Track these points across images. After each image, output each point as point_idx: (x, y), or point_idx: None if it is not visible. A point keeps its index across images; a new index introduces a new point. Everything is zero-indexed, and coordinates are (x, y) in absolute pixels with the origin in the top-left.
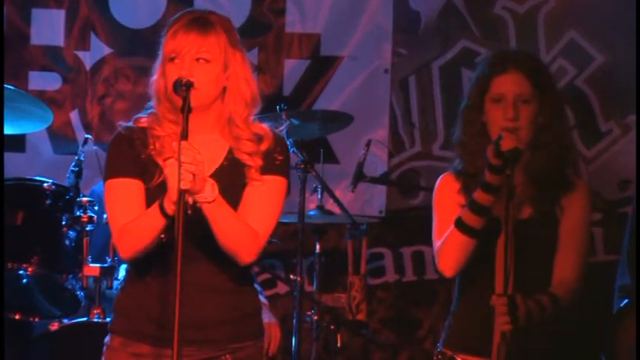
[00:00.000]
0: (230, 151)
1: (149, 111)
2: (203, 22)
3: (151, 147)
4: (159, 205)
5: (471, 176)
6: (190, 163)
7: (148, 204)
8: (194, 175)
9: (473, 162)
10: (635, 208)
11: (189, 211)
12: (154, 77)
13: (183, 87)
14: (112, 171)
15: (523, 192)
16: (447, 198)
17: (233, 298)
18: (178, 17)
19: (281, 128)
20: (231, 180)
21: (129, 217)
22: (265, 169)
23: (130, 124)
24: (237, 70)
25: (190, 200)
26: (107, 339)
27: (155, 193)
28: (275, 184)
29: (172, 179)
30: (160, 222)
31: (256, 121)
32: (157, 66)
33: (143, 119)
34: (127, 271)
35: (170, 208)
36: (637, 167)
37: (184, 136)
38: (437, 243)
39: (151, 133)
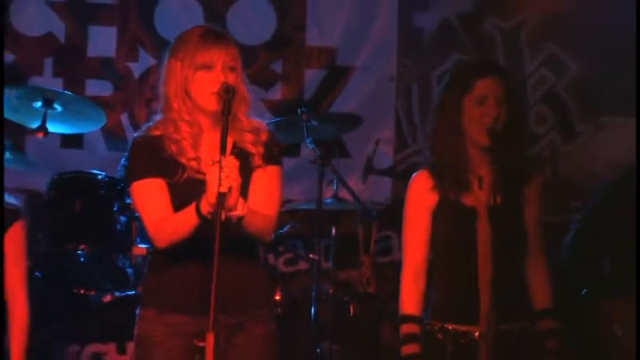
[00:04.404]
0: (235, 144)
1: (156, 119)
2: (225, 36)
3: (169, 150)
4: (195, 206)
5: (442, 169)
6: (230, 176)
7: (173, 198)
8: (230, 187)
9: (443, 156)
10: (636, 204)
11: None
12: (169, 80)
13: (231, 91)
14: (136, 174)
15: (495, 182)
16: (418, 202)
17: (250, 271)
18: (198, 31)
19: (268, 122)
20: (240, 167)
21: (160, 212)
22: (267, 159)
23: (144, 133)
24: (242, 74)
25: (223, 216)
26: (139, 311)
27: (180, 189)
28: (276, 172)
29: (213, 183)
30: (194, 221)
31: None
32: (172, 70)
33: (154, 128)
34: (153, 253)
35: (205, 209)
36: (637, 166)
37: (224, 145)
38: (405, 252)
39: (167, 137)
